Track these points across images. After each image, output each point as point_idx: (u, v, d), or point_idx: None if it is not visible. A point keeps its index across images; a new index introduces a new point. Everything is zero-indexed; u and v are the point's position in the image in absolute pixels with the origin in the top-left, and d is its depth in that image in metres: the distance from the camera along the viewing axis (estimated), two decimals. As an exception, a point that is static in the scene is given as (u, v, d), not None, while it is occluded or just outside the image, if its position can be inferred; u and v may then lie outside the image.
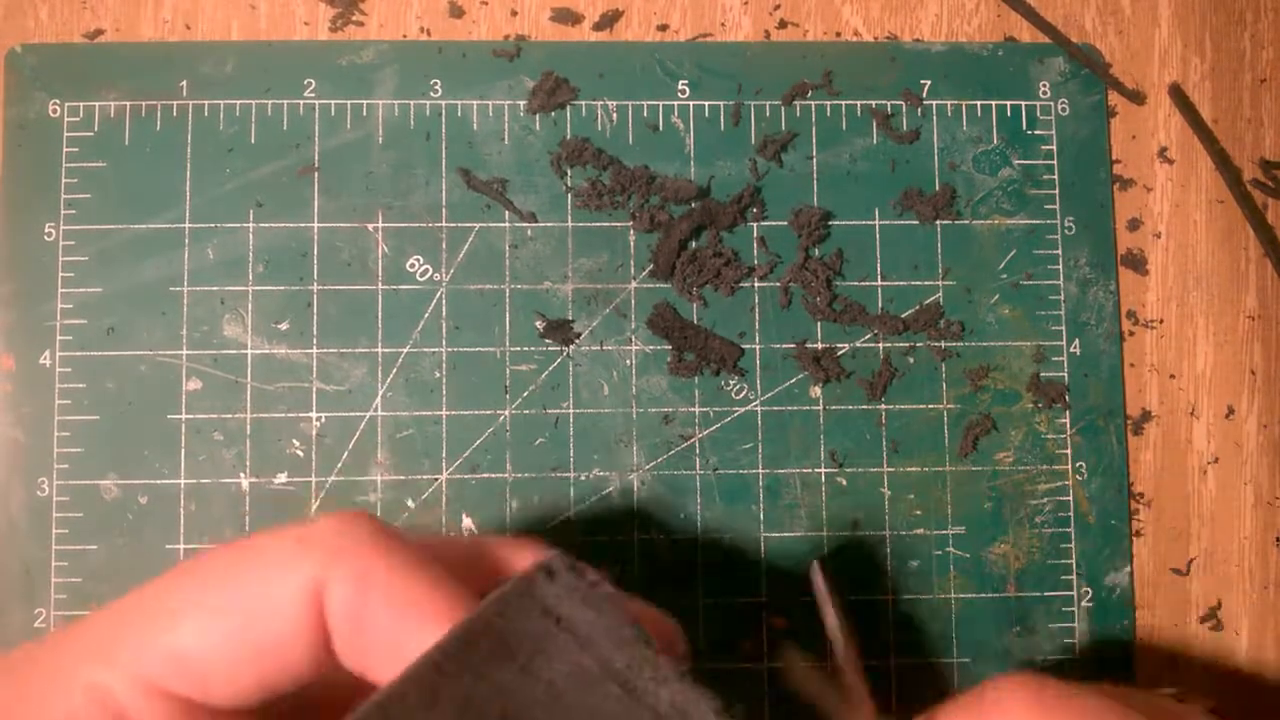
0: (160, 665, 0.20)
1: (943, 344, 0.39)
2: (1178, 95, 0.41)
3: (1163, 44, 0.42)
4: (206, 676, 0.19)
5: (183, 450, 0.38)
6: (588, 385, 0.39)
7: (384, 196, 0.39)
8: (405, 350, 0.38)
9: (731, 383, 0.39)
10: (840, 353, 0.39)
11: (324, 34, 0.40)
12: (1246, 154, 0.42)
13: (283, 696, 0.20)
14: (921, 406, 0.39)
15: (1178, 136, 0.41)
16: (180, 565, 0.21)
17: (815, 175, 0.40)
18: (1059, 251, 0.40)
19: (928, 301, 0.40)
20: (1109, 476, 0.39)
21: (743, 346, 0.39)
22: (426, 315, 0.39)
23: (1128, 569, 0.39)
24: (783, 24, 0.41)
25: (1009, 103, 0.41)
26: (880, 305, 0.40)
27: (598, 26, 0.40)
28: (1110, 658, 0.39)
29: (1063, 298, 0.40)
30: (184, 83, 0.39)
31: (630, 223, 0.39)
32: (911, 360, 0.39)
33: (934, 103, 0.40)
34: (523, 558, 0.22)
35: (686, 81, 0.40)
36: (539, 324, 0.39)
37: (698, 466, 0.38)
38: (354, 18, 0.40)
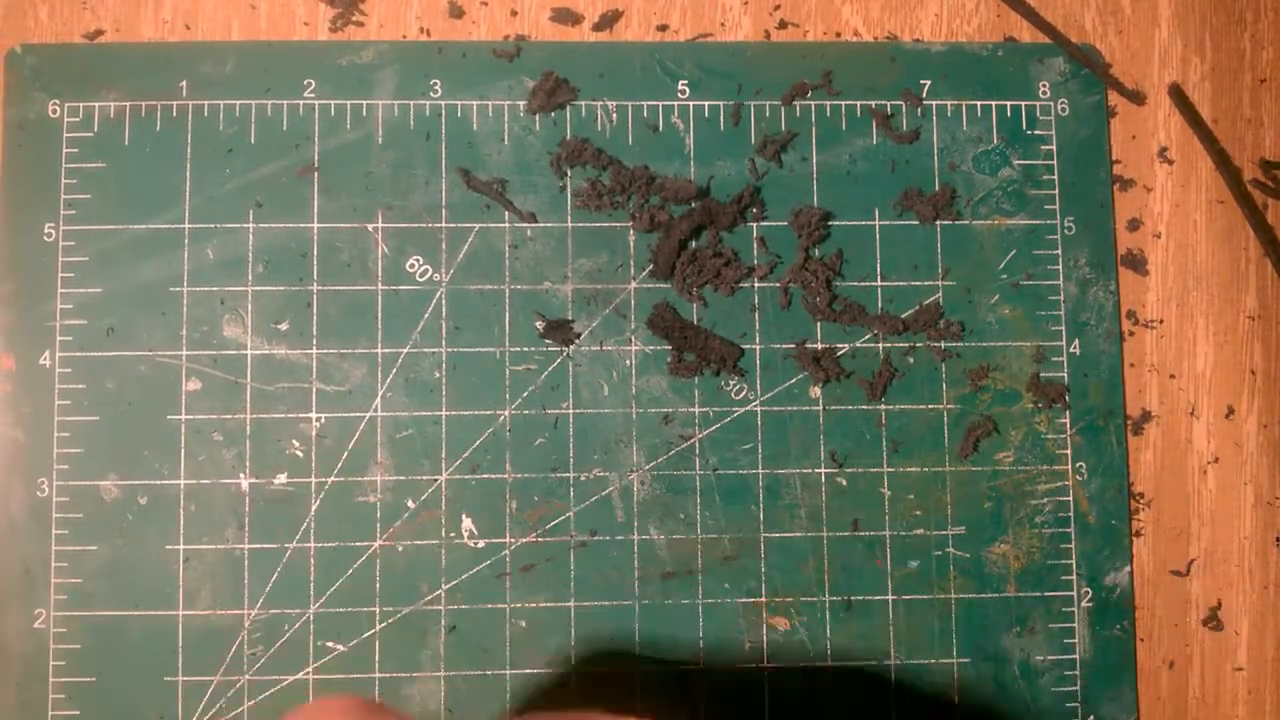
0: None
1: (943, 344, 0.39)
2: (1178, 95, 0.41)
3: (1163, 44, 0.42)
4: None
5: (182, 450, 0.38)
6: (588, 385, 0.39)
7: (384, 196, 0.39)
8: (405, 350, 0.38)
9: (731, 383, 0.39)
10: (840, 353, 0.39)
11: (324, 34, 0.40)
12: (1246, 154, 0.42)
13: None
14: (921, 406, 0.39)
15: (1178, 136, 0.41)
16: None
17: (815, 175, 0.40)
18: (1059, 251, 0.40)
19: (928, 301, 0.40)
20: (1109, 476, 0.39)
21: (743, 346, 0.39)
22: (426, 315, 0.39)
23: (1128, 569, 0.39)
24: (783, 24, 0.41)
25: (1009, 103, 0.41)
26: (880, 305, 0.40)
27: (598, 27, 0.40)
28: (1110, 658, 0.39)
29: (1063, 298, 0.40)
30: (184, 83, 0.39)
31: (630, 223, 0.39)
32: (911, 360, 0.39)
33: (934, 103, 0.40)
34: None
35: (686, 81, 0.40)
36: (539, 324, 0.39)
37: (698, 466, 0.38)
38: (354, 18, 0.40)
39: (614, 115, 0.40)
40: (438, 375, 0.38)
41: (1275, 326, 0.41)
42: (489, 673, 0.37)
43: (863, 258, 0.40)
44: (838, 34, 0.41)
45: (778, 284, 0.39)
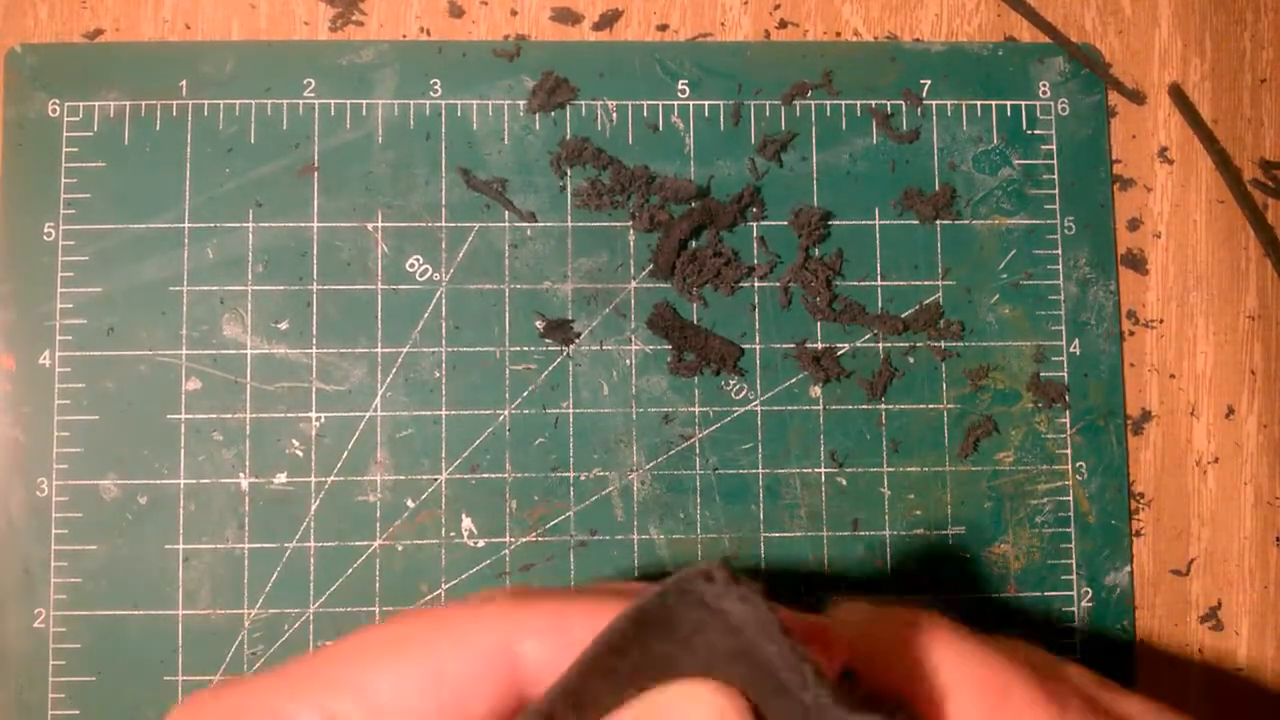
0: (358, 708, 0.21)
1: (943, 344, 0.39)
2: (1178, 95, 0.41)
3: (1163, 44, 0.42)
4: None
5: (182, 450, 0.38)
6: (588, 385, 0.39)
7: (384, 196, 0.39)
8: (405, 350, 0.38)
9: (731, 383, 0.39)
10: (840, 353, 0.39)
11: (324, 34, 0.40)
12: (1246, 154, 0.42)
13: None
14: (921, 406, 0.39)
15: (1178, 136, 0.41)
16: (376, 628, 0.23)
17: (815, 175, 0.40)
18: (1059, 251, 0.40)
19: (928, 301, 0.40)
20: (1109, 476, 0.39)
21: (743, 346, 0.39)
22: (426, 315, 0.39)
23: (1128, 569, 0.39)
24: (783, 24, 0.41)
25: (1009, 103, 0.41)
26: (880, 305, 0.40)
27: (598, 26, 0.40)
28: (1110, 658, 0.39)
29: (1063, 298, 0.40)
30: (184, 83, 0.39)
31: (630, 222, 0.39)
32: (911, 360, 0.39)
33: (934, 103, 0.40)
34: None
35: (686, 81, 0.40)
36: (539, 324, 0.39)
37: (698, 466, 0.38)
38: (354, 18, 0.40)
39: (614, 115, 0.40)
40: (438, 375, 0.38)
41: (1275, 326, 0.41)
42: (489, 672, 0.37)
43: (863, 257, 0.40)
44: (838, 34, 0.41)
45: (778, 284, 0.39)
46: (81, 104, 0.39)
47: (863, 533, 0.39)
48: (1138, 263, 0.41)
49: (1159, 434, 0.40)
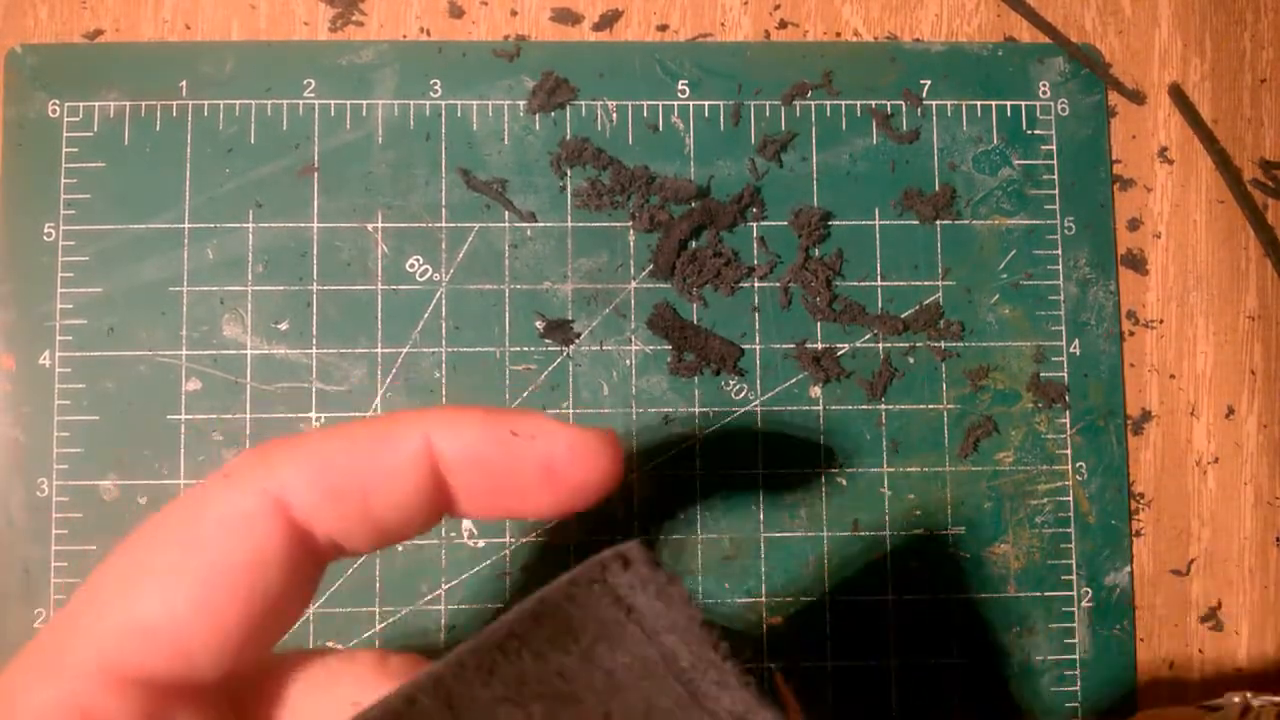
0: (125, 647, 0.17)
1: (943, 344, 0.39)
2: (1178, 95, 0.41)
3: (1163, 44, 0.42)
4: (183, 644, 0.17)
5: (182, 450, 0.38)
6: (588, 385, 0.39)
7: (384, 196, 0.39)
8: (405, 350, 0.38)
9: (731, 383, 0.39)
10: (840, 353, 0.39)
11: (324, 34, 0.40)
12: (1246, 154, 0.42)
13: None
14: (921, 406, 0.39)
15: (1178, 136, 0.41)
16: (124, 540, 0.19)
17: (815, 175, 0.40)
18: (1059, 251, 0.40)
19: (928, 301, 0.40)
20: (1109, 476, 0.39)
21: (743, 346, 0.39)
22: (426, 315, 0.39)
23: (1128, 569, 0.39)
24: (783, 24, 0.41)
25: (1009, 103, 0.41)
26: (880, 305, 0.40)
27: (598, 26, 0.40)
28: (1110, 658, 0.39)
29: (1063, 298, 0.40)
30: (184, 83, 0.39)
31: (630, 223, 0.39)
32: (911, 360, 0.39)
33: (934, 103, 0.40)
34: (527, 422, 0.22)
35: (686, 81, 0.40)
36: (539, 324, 0.39)
37: (698, 466, 0.38)
38: (354, 18, 0.40)
39: (614, 115, 0.40)
40: (438, 375, 0.38)
41: (1275, 326, 0.41)
42: (489, 673, 0.37)
43: (863, 258, 0.40)
44: (838, 34, 0.41)
45: (778, 284, 0.39)
46: (81, 104, 0.39)
47: (863, 533, 0.39)
48: (1138, 263, 0.41)
49: (1159, 434, 0.40)
